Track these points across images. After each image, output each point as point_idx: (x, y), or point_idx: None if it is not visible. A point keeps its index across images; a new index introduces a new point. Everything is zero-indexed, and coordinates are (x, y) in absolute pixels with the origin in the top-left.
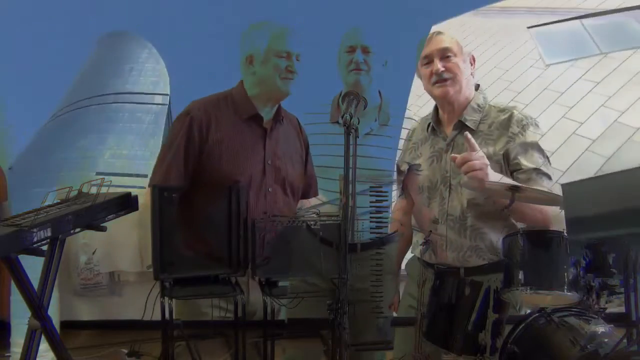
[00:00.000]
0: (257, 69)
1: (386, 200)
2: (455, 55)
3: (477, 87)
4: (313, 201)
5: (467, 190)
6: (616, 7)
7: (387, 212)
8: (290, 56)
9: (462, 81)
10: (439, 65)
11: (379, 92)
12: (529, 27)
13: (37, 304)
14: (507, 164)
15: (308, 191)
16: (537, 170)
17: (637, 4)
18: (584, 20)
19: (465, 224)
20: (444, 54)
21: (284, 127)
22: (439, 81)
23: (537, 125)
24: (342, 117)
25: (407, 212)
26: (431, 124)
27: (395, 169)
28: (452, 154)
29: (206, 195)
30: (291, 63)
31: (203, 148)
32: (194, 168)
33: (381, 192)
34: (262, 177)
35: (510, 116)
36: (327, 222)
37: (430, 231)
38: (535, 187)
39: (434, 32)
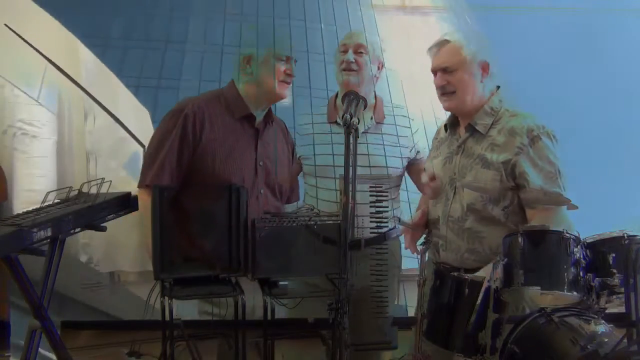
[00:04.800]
0: (255, 70)
1: (386, 200)
2: (457, 69)
3: (498, 88)
4: None
5: (467, 194)
6: None
7: (386, 211)
8: (290, 60)
9: (466, 94)
10: (440, 80)
11: (374, 91)
12: None
13: (37, 304)
14: (511, 176)
15: (290, 195)
16: (545, 192)
17: None
18: None
19: (463, 226)
20: (445, 70)
21: (273, 128)
22: (444, 94)
23: (550, 135)
24: (342, 117)
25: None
26: (446, 125)
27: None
28: None
29: (198, 196)
30: (290, 66)
31: (197, 147)
32: (186, 168)
33: (381, 191)
34: (255, 178)
35: (521, 124)
36: (327, 221)
37: (430, 231)
38: (542, 212)
39: (441, 41)
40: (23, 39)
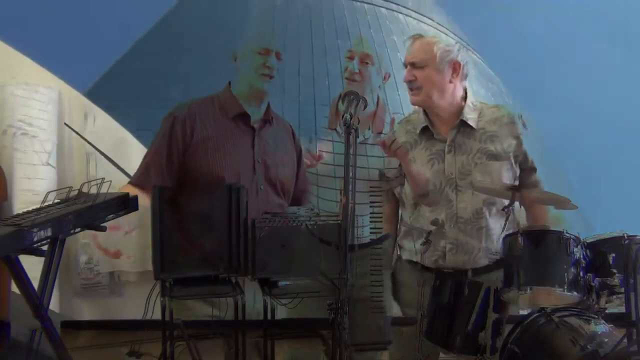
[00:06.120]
0: (239, 65)
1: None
2: (425, 66)
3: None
4: None
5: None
6: None
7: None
8: (269, 53)
9: (433, 91)
10: (407, 74)
11: (378, 97)
12: None
13: (37, 304)
14: (518, 162)
15: (301, 197)
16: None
17: None
18: None
19: (477, 225)
20: (414, 65)
21: (274, 128)
22: (411, 89)
23: None
24: (343, 117)
25: (394, 212)
26: (424, 127)
27: (379, 177)
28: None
29: (198, 195)
30: (268, 59)
31: (187, 147)
32: (179, 168)
33: (381, 191)
34: (253, 175)
35: (510, 114)
36: (327, 221)
37: (430, 232)
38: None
39: (414, 36)
40: (83, 137)
